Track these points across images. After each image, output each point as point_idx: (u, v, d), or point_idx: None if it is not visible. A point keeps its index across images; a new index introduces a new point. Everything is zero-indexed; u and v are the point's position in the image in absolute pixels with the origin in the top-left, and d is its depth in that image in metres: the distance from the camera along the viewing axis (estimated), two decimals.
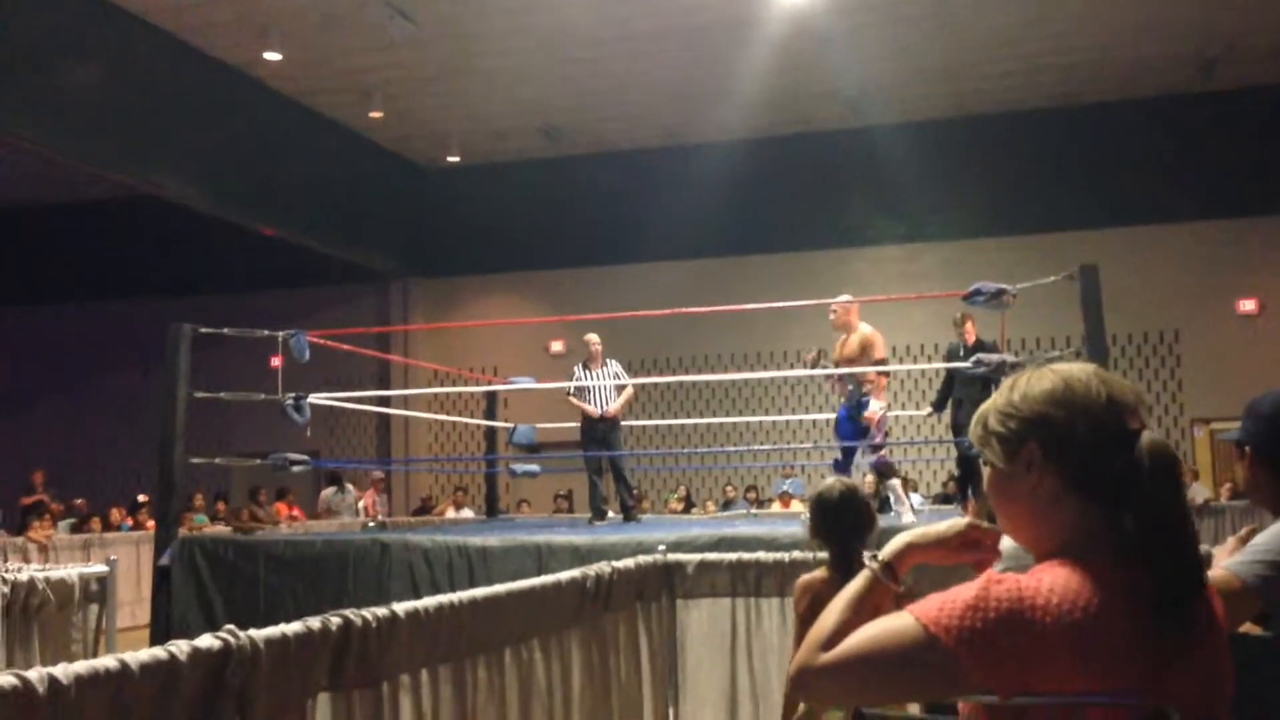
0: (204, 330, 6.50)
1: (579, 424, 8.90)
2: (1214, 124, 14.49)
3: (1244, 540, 2.49)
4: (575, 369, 8.99)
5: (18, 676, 1.38)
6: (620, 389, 8.82)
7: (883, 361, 7.57)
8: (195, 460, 6.51)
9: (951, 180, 15.08)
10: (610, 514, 8.90)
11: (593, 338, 9.02)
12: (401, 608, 2.20)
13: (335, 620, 1.97)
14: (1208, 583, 1.50)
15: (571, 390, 8.80)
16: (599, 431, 8.74)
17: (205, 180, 13.12)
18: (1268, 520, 2.45)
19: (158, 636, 5.73)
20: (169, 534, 6.12)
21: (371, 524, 10.27)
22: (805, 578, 3.06)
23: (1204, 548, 3.22)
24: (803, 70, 13.27)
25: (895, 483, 7.89)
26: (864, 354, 7.51)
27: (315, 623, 1.93)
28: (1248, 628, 2.37)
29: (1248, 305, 14.58)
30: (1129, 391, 1.56)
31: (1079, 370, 1.59)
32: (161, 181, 12.68)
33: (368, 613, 2.07)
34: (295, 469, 7.25)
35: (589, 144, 15.95)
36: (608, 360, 8.92)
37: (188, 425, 6.28)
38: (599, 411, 8.70)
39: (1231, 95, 14.29)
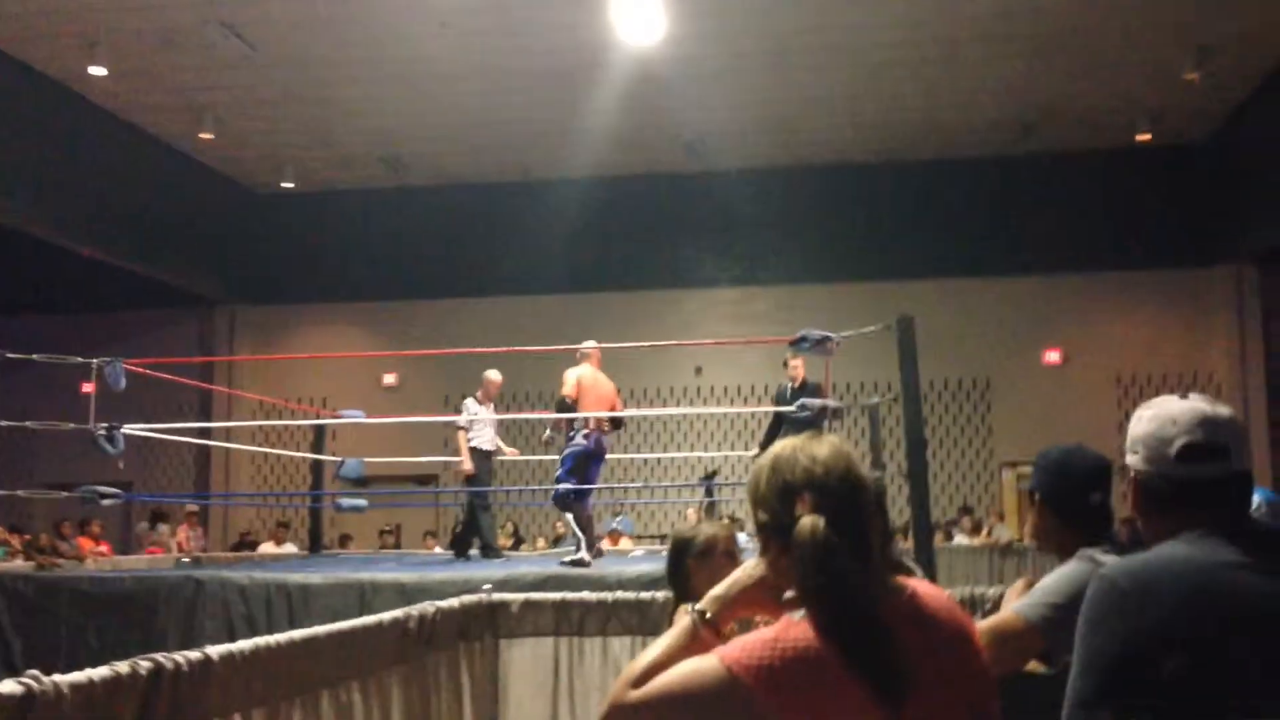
0: (10, 355, 6.20)
1: (458, 458, 8.60)
2: (1028, 185, 15.42)
3: (1029, 585, 2.68)
4: (469, 403, 8.71)
5: None
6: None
7: (564, 400, 7.72)
8: None
9: (784, 226, 15.58)
10: (472, 552, 8.62)
11: (494, 374, 8.87)
12: (215, 650, 2.16)
13: (145, 664, 1.93)
14: (894, 641, 1.69)
15: (468, 424, 8.52)
16: (492, 466, 8.76)
17: (20, 195, 12.49)
18: (1051, 565, 2.65)
19: None
20: None
21: (185, 560, 9.87)
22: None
23: (996, 589, 3.44)
24: (647, 114, 13.53)
25: (569, 517, 7.81)
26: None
27: (123, 666, 1.89)
28: (1033, 666, 2.54)
29: (1053, 356, 15.49)
30: (799, 474, 1.79)
31: (767, 460, 1.82)
32: None
33: (180, 656, 2.03)
34: (106, 502, 6.95)
35: (432, 176, 15.84)
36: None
37: None
38: (493, 447, 8.67)
39: (1046, 158, 15.23)
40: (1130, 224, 15.18)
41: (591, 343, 8.28)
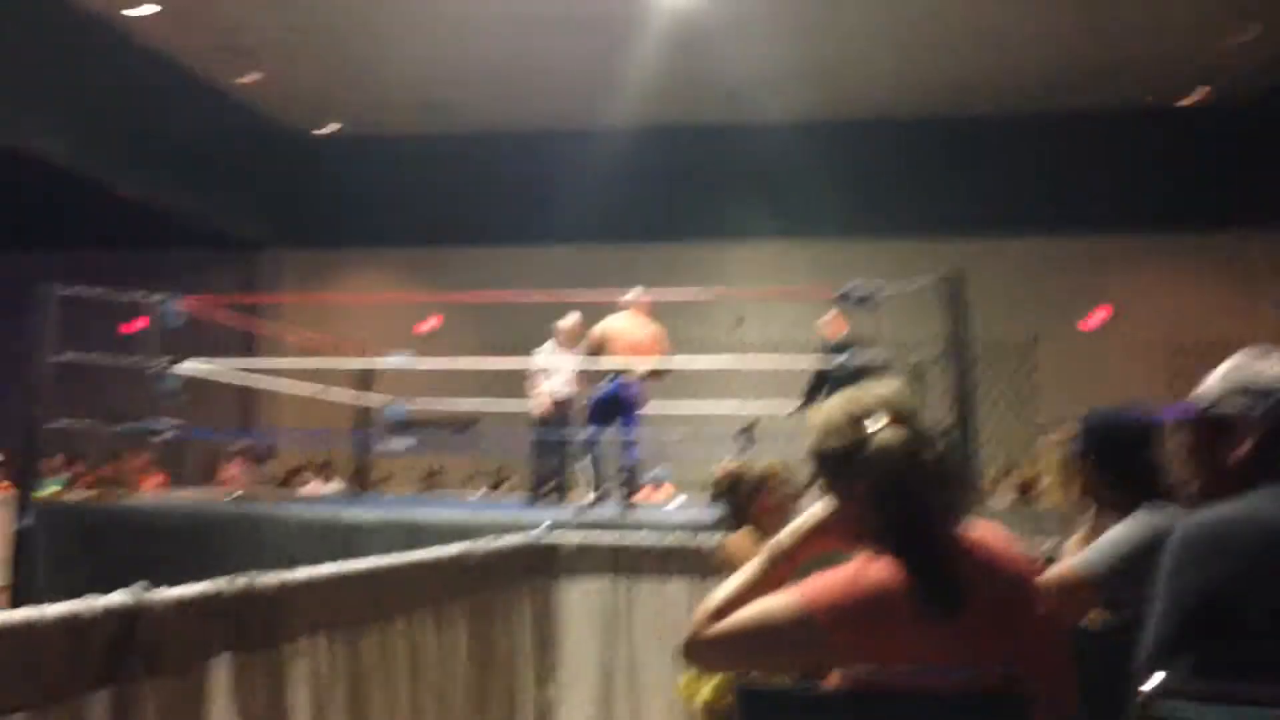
0: (71, 292, 6.31)
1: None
2: (1078, 143, 15.19)
3: (1086, 540, 2.71)
4: (546, 347, 8.69)
5: None
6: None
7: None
8: (57, 425, 6.32)
9: (827, 180, 15.44)
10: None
11: (565, 320, 8.80)
12: (299, 574, 2.24)
13: (239, 582, 2.01)
14: (954, 559, 1.74)
15: (542, 370, 8.49)
16: (568, 413, 8.59)
17: (66, 134, 12.60)
18: (1109, 522, 2.68)
19: (20, 599, 5.56)
20: (29, 497, 5.94)
21: (236, 496, 10.05)
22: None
23: (1050, 543, 3.46)
24: (688, 62, 13.43)
25: (586, 462, 7.89)
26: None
27: (221, 583, 1.97)
28: (1092, 619, 2.57)
29: (1099, 317, 15.36)
30: (873, 401, 1.83)
31: (837, 397, 1.88)
32: (17, 133, 12.13)
33: (267, 577, 2.10)
34: (161, 437, 7.09)
35: (475, 123, 15.84)
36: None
37: (47, 387, 6.11)
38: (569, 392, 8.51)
39: (1097, 116, 14.99)
40: (1182, 185, 14.95)
41: (638, 289, 8.16)
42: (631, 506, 7.08)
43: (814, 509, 1.96)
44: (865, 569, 1.75)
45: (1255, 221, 14.70)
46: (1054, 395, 15.13)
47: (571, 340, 8.73)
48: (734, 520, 3.14)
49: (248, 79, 13.99)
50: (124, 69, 13.11)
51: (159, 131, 13.77)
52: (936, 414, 10.18)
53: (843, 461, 1.81)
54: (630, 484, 7.60)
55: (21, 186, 15.54)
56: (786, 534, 1.94)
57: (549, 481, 8.60)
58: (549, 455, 8.54)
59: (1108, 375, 14.24)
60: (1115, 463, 2.69)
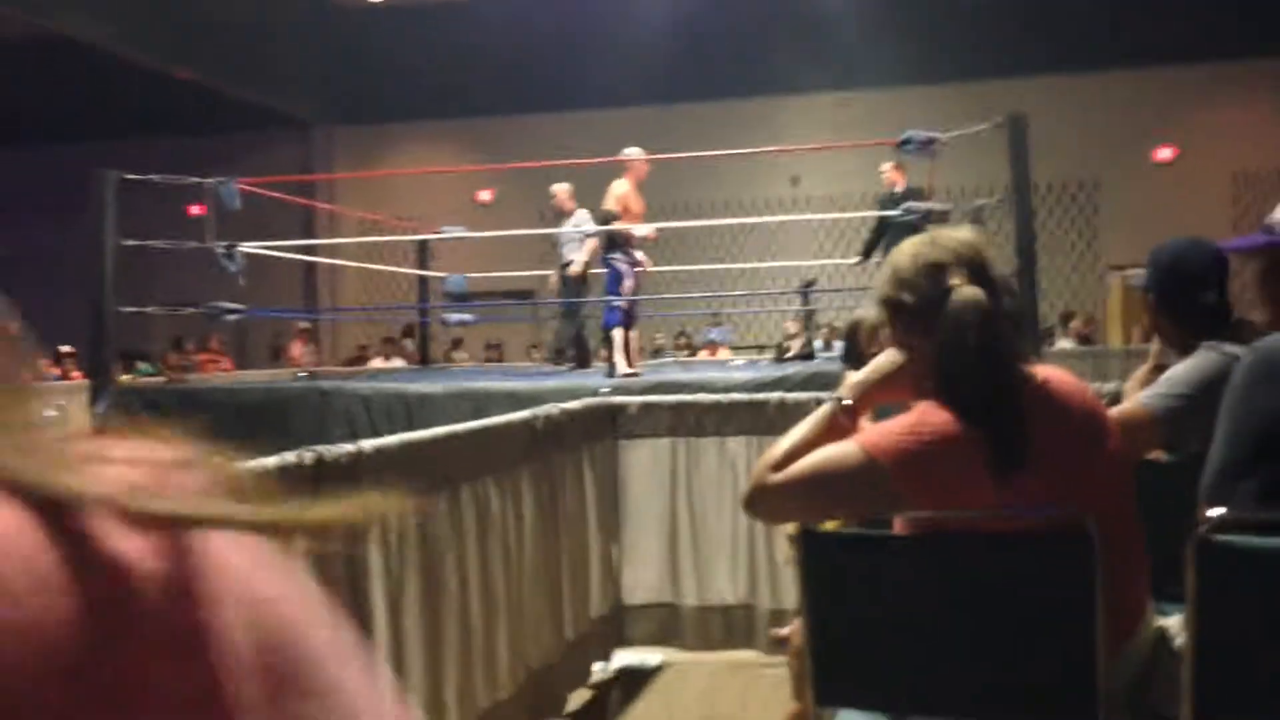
0: (130, 177, 6.37)
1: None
2: None
3: (1151, 375, 2.68)
4: (582, 213, 8.46)
5: None
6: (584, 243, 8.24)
7: (608, 214, 7.32)
8: (126, 310, 6.44)
9: (881, 27, 14.97)
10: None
11: (557, 188, 8.61)
12: (368, 444, 2.30)
13: (309, 454, 2.07)
14: (1020, 413, 1.72)
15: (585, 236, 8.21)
16: (569, 289, 8.42)
17: (116, 20, 12.56)
18: (1173, 359, 2.65)
19: None
20: (104, 383, 6.11)
21: (302, 374, 10.26)
22: None
23: (1113, 385, 3.44)
24: None
25: (616, 337, 7.35)
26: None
27: (292, 455, 2.03)
28: (1156, 454, 2.57)
29: (1164, 154, 14.90)
30: (948, 253, 1.79)
31: (910, 246, 1.85)
32: (68, 20, 12.11)
33: (338, 447, 2.16)
34: (228, 318, 7.22)
35: None
36: (577, 211, 8.46)
37: (113, 274, 6.21)
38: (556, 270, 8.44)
39: None
40: (1248, 9, 14.26)
41: (635, 150, 7.63)
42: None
43: (879, 360, 1.96)
44: (928, 417, 1.75)
45: None
46: (1117, 236, 14.84)
47: (563, 208, 8.54)
48: (855, 363, 3.24)
49: None
50: None
51: (207, 12, 13.67)
52: (999, 260, 10.04)
53: (916, 315, 1.79)
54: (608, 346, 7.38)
55: (73, 76, 15.60)
56: (850, 386, 1.94)
57: (566, 351, 8.59)
58: (566, 324, 8.54)
59: (1172, 213, 13.88)
60: (1179, 299, 2.64)
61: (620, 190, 7.29)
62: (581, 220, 8.39)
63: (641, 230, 7.48)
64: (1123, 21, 14.54)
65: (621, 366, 7.04)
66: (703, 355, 13.34)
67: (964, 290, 1.73)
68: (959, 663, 1.78)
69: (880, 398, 1.94)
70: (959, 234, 1.84)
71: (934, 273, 1.77)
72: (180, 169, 8.74)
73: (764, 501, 1.84)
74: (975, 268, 1.78)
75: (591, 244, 8.09)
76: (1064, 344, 13.72)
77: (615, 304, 7.27)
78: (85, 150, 14.04)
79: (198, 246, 7.06)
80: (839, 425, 1.89)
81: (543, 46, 15.82)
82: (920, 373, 1.82)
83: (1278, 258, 1.88)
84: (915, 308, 1.78)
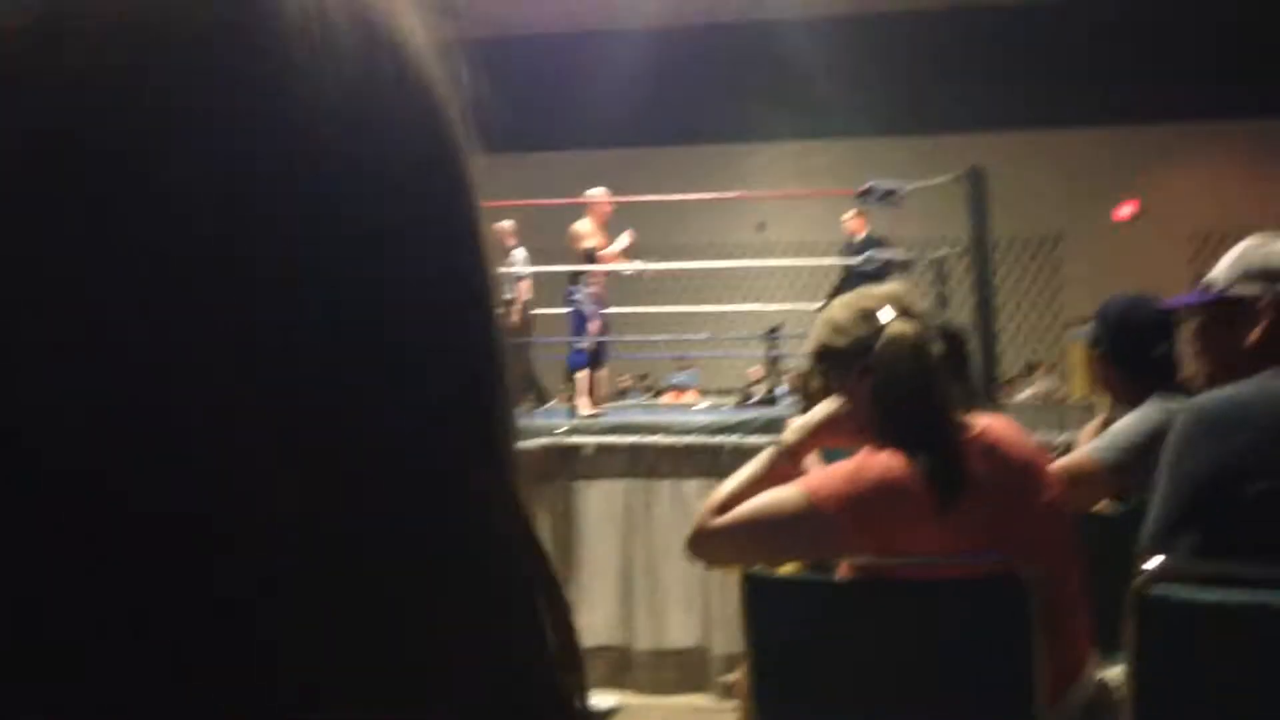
0: None
1: None
2: (1101, 31, 14.82)
3: (1101, 428, 2.71)
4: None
5: None
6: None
7: (591, 251, 7.38)
8: None
9: (848, 77, 15.17)
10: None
11: (499, 226, 8.67)
12: None
13: None
14: (957, 451, 1.75)
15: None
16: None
17: None
18: (1122, 413, 2.67)
19: None
20: None
21: None
22: None
23: (1066, 436, 3.47)
24: None
25: (582, 376, 7.40)
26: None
27: None
28: (1102, 507, 2.59)
29: (1125, 211, 15.15)
30: (878, 299, 1.84)
31: (841, 298, 1.92)
32: None
33: None
34: None
35: (490, 28, 15.55)
36: (513, 251, 8.43)
37: None
38: None
39: (1121, 4, 14.61)
40: (1210, 71, 14.58)
41: (598, 190, 7.70)
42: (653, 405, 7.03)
43: (820, 406, 1.97)
44: (869, 461, 1.77)
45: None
46: (1079, 291, 15.01)
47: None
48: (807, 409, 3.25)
49: None
50: None
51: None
52: (960, 311, 10.14)
53: (850, 357, 1.82)
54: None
55: None
56: (792, 431, 1.95)
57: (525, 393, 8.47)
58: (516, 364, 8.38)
59: (1132, 270, 14.09)
60: (1128, 354, 2.68)
61: (584, 229, 7.33)
62: (517, 259, 8.35)
63: (621, 267, 7.52)
64: (1088, 80, 14.82)
65: (583, 408, 7.01)
66: (668, 398, 13.35)
67: (895, 325, 1.76)
68: (901, 709, 1.77)
69: (823, 442, 1.95)
70: (889, 285, 1.90)
71: (866, 316, 1.80)
72: None
73: (705, 545, 1.84)
74: (906, 310, 1.81)
75: (524, 285, 8.02)
76: (1028, 395, 13.84)
77: (579, 345, 7.27)
78: None
79: None
80: (782, 469, 1.89)
81: (510, 87, 15.72)
82: (859, 416, 1.84)
83: (1213, 314, 1.91)
84: (849, 350, 1.81)
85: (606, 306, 7.54)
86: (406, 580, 0.28)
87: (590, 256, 7.32)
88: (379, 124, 0.30)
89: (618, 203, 7.73)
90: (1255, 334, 1.85)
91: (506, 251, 8.51)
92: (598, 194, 7.56)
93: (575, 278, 7.35)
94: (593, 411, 6.99)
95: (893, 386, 1.76)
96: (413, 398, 0.29)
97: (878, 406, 1.78)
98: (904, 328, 1.76)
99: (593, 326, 7.33)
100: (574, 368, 7.35)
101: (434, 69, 0.35)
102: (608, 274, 7.54)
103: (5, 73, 0.25)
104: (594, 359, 7.41)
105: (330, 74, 0.28)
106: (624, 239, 7.64)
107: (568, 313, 7.50)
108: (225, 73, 0.26)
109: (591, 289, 7.40)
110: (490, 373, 0.32)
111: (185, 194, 0.25)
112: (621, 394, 14.18)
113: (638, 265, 7.67)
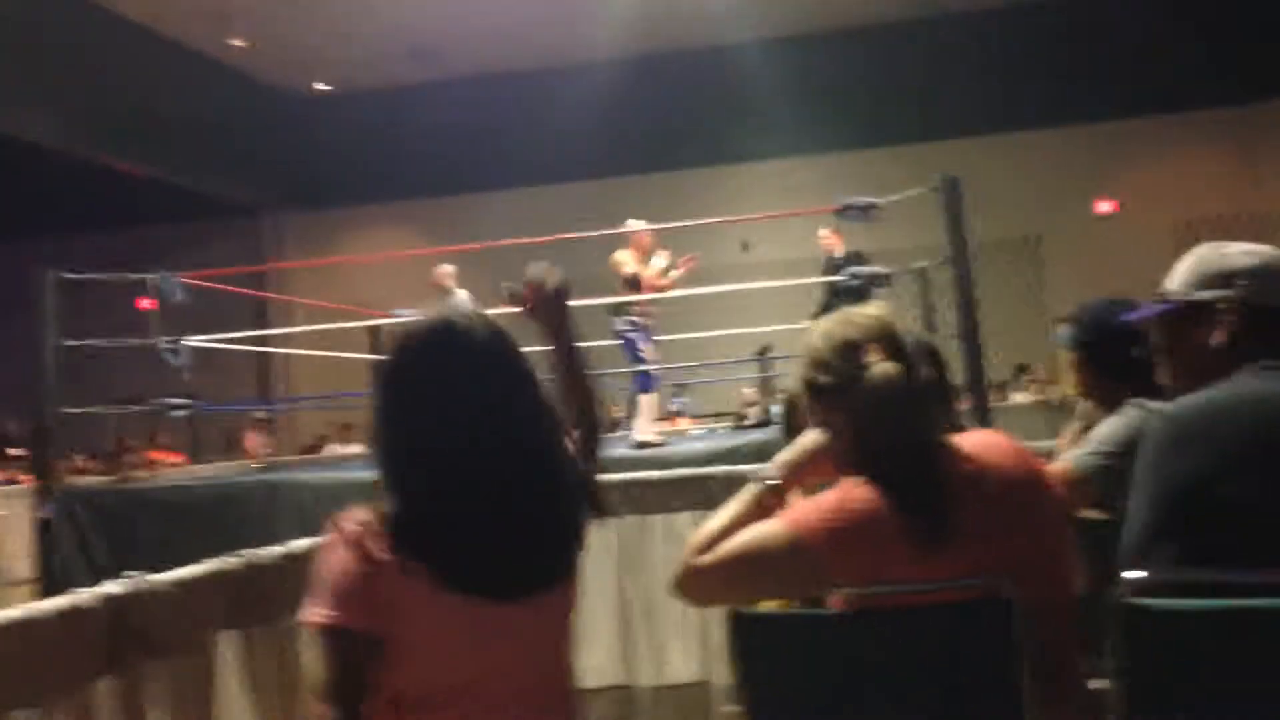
0: (70, 276, 6.32)
1: None
2: (1068, 30, 14.92)
3: (1079, 434, 2.71)
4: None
5: None
6: None
7: (633, 277, 7.44)
8: (70, 411, 6.35)
9: (826, 93, 15.26)
10: None
11: (440, 269, 8.71)
12: (301, 544, 2.27)
13: (233, 560, 2.03)
14: (941, 486, 1.73)
15: None
16: None
17: (56, 114, 12.55)
18: (1101, 417, 2.68)
19: (47, 589, 5.66)
20: (50, 487, 6.00)
21: (256, 466, 10.13)
22: None
23: (1048, 443, 3.46)
24: None
25: (645, 400, 7.60)
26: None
27: (215, 564, 1.99)
28: (1086, 513, 2.58)
29: (1105, 206, 15.20)
30: (860, 330, 1.81)
31: (823, 326, 1.87)
32: (7, 118, 12.08)
33: (265, 551, 2.13)
34: (177, 414, 7.13)
35: (462, 68, 15.69)
36: (456, 292, 8.57)
37: (56, 375, 6.13)
38: None
39: (1087, 2, 14.72)
40: (1180, 63, 14.68)
41: (637, 222, 7.85)
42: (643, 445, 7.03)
43: (802, 440, 1.97)
44: (851, 493, 1.76)
45: (1260, 93, 14.45)
46: (1062, 289, 15.05)
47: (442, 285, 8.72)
48: (792, 437, 3.23)
49: (235, 42, 13.89)
50: (108, 44, 13.02)
51: (149, 105, 13.71)
52: (943, 319, 10.14)
53: (833, 394, 1.81)
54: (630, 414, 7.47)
55: (14, 172, 15.52)
56: (775, 465, 1.95)
57: None
58: None
59: (1115, 265, 14.12)
60: (1105, 357, 2.69)
61: (623, 258, 7.41)
62: (462, 300, 8.45)
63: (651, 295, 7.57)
64: (1059, 79, 14.91)
65: (643, 433, 7.10)
66: (666, 425, 13.31)
67: (879, 367, 1.74)
68: None
69: (807, 476, 1.95)
70: (870, 310, 1.87)
71: (848, 351, 1.79)
72: (132, 260, 8.67)
73: (692, 584, 1.83)
74: (889, 342, 1.80)
75: None
76: (1019, 397, 13.85)
77: (639, 369, 7.33)
78: (28, 248, 13.91)
79: (141, 343, 6.99)
80: (766, 504, 1.89)
81: (488, 124, 15.98)
82: (842, 450, 1.83)
83: (1175, 322, 1.92)
84: (832, 387, 1.80)
85: (656, 333, 7.61)
86: (566, 468, 1.75)
87: (633, 284, 7.36)
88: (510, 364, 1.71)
89: (598, 236, 7.75)
90: (1220, 336, 1.85)
91: (448, 292, 8.59)
92: (638, 225, 7.67)
93: (617, 310, 7.38)
94: (652, 439, 7.07)
95: (877, 429, 1.75)
96: (550, 437, 1.73)
97: (861, 445, 1.78)
98: (888, 370, 1.75)
99: (646, 351, 7.35)
100: (640, 391, 7.45)
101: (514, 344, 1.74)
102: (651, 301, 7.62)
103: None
104: (649, 384, 7.52)
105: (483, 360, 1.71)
106: (660, 259, 7.71)
107: (619, 345, 7.52)
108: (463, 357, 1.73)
109: (638, 317, 7.45)
110: (557, 426, 1.76)
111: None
112: (614, 425, 14.15)
113: (675, 274, 7.68)
